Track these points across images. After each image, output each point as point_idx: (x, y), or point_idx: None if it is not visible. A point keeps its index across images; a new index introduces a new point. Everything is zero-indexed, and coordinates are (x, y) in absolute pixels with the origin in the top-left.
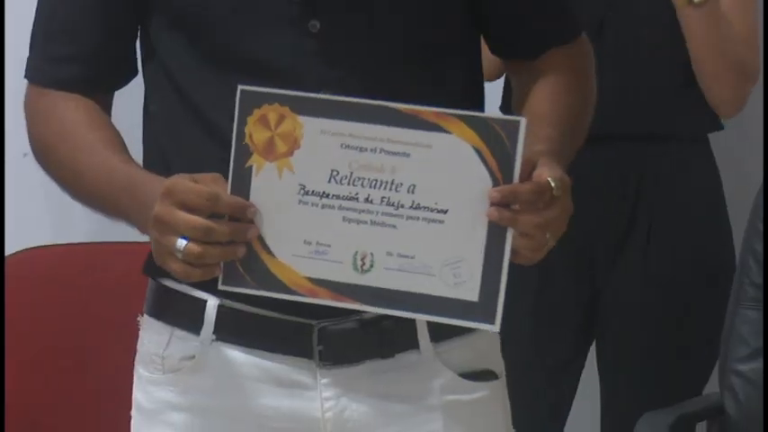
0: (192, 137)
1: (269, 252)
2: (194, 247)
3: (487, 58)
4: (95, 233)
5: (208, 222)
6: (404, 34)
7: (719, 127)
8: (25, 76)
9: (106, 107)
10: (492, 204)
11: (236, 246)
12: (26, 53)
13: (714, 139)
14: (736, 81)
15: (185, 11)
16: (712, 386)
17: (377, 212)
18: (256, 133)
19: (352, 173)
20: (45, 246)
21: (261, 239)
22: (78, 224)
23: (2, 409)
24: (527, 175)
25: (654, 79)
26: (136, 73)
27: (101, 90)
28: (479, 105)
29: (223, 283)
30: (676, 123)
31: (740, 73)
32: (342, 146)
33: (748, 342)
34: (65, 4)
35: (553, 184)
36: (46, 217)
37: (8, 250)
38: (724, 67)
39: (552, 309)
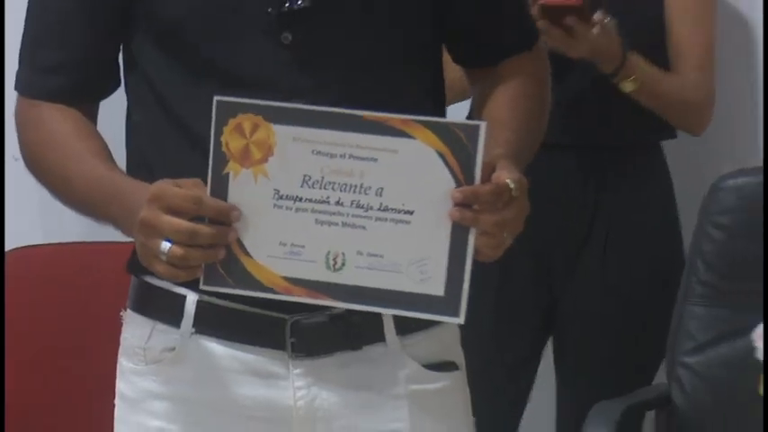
0: (174, 145)
1: (246, 253)
2: (178, 250)
3: (449, 78)
4: (84, 234)
5: (192, 225)
6: (373, 47)
7: (673, 135)
8: (15, 89)
9: (92, 116)
10: (455, 205)
11: (217, 248)
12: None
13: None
14: (692, 118)
15: (167, 25)
16: (660, 378)
17: (347, 214)
18: (232, 141)
19: (323, 177)
20: (37, 245)
21: (239, 242)
22: (68, 225)
23: (2, 409)
24: (487, 176)
25: (611, 91)
26: (119, 84)
27: (86, 100)
28: (442, 111)
29: (204, 284)
30: (632, 133)
31: (695, 112)
32: (313, 152)
33: (695, 337)
34: (51, 18)
35: (512, 186)
36: (37, 218)
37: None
38: (677, 115)
39: (512, 308)
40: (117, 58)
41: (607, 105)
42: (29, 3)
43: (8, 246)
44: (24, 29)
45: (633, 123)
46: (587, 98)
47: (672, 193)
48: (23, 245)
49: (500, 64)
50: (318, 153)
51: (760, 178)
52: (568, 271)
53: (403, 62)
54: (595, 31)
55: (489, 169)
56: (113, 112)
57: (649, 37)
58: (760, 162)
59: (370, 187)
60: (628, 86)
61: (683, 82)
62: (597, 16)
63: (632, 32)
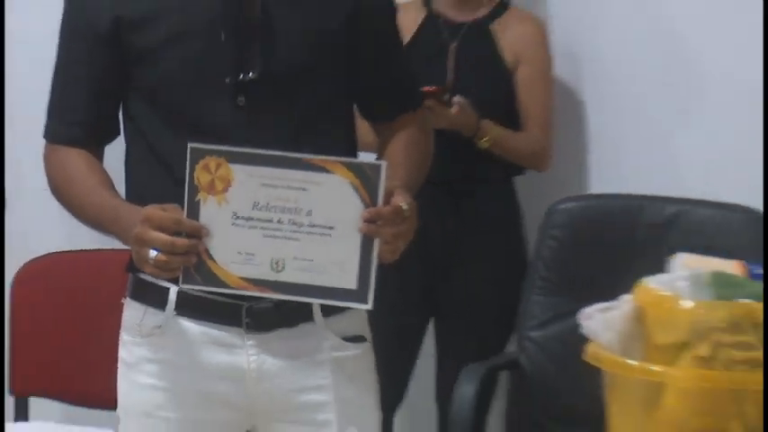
0: (159, 179)
1: (212, 259)
2: (162, 257)
3: (361, 134)
4: (96, 243)
5: (172, 239)
6: (305, 107)
7: (521, 172)
8: (44, 137)
9: (99, 156)
10: (364, 222)
11: (191, 255)
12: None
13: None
14: (538, 162)
15: (149, 91)
16: (511, 347)
17: (286, 230)
18: (202, 177)
19: (268, 203)
20: (63, 251)
21: (207, 251)
22: (85, 235)
23: (2, 410)
24: (387, 201)
25: (473, 146)
26: (119, 133)
27: (95, 145)
28: (354, 153)
29: (182, 282)
30: (489, 172)
31: (540, 158)
32: (261, 184)
33: (537, 317)
34: (70, 86)
35: (405, 207)
36: (60, 228)
37: (32, 255)
38: (526, 161)
39: (405, 297)
40: (117, 115)
41: (472, 154)
42: (54, 71)
43: (41, 251)
44: (50, 91)
45: (489, 165)
46: (459, 149)
47: (519, 214)
48: (54, 251)
49: (396, 120)
50: (264, 185)
51: (582, 203)
52: (444, 272)
53: (326, 118)
54: (453, 110)
55: (389, 195)
56: (116, 152)
57: (505, 107)
58: (584, 192)
59: (301, 210)
60: (483, 144)
61: (530, 138)
62: (456, 99)
63: (490, 105)
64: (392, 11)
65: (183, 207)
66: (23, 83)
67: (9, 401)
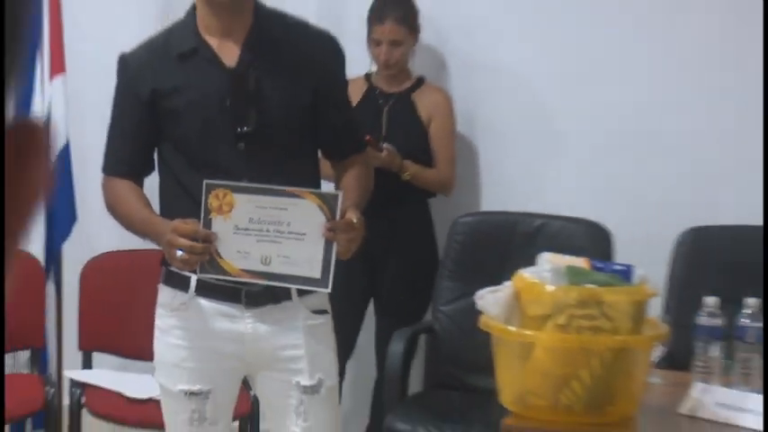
0: (183, 203)
1: (220, 257)
2: (185, 256)
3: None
4: (140, 244)
5: (192, 243)
6: (287, 152)
7: (434, 195)
8: (102, 171)
9: (141, 185)
10: (326, 230)
11: (205, 255)
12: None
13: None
14: (445, 190)
15: (179, 141)
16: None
17: (272, 236)
18: (213, 202)
19: (260, 218)
20: (116, 251)
21: (216, 251)
22: (132, 239)
23: (2, 412)
24: (342, 216)
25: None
26: (154, 169)
27: (137, 177)
28: (318, 181)
29: (199, 273)
30: (411, 195)
31: (446, 186)
32: (255, 206)
33: (446, 296)
34: (120, 137)
35: (355, 221)
36: (114, 235)
37: (94, 253)
38: (437, 188)
39: (351, 282)
40: (153, 156)
41: (399, 184)
42: (109, 125)
43: (101, 251)
44: (107, 138)
45: (410, 191)
46: (390, 181)
47: (431, 225)
48: (110, 250)
49: (347, 159)
50: (257, 207)
51: (477, 218)
52: (380, 266)
53: (299, 159)
54: (383, 154)
55: (344, 212)
56: (151, 181)
57: (421, 151)
58: (478, 209)
59: (282, 222)
60: (405, 177)
61: (439, 173)
62: (386, 146)
63: (410, 150)
64: (345, 85)
65: (199, 222)
66: (91, 139)
67: (78, 355)
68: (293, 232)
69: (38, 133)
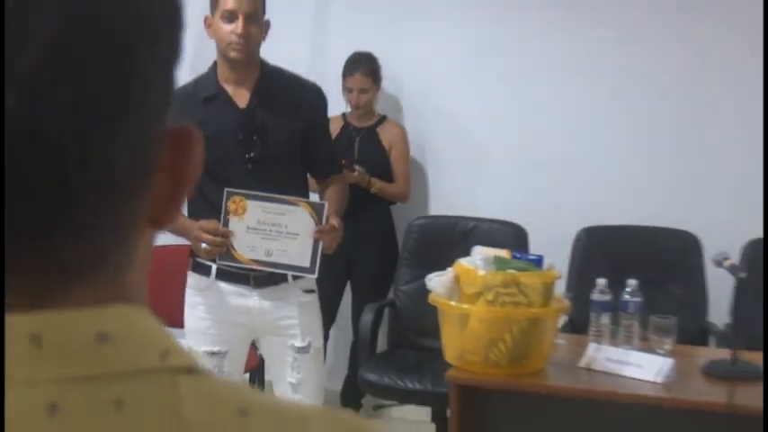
0: (205, 207)
1: (234, 249)
2: (208, 248)
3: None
4: (173, 240)
5: (214, 238)
6: (285, 171)
7: (394, 203)
8: None
9: None
10: (315, 232)
11: (223, 247)
12: None
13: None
14: (402, 199)
15: (203, 163)
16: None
17: (273, 235)
18: (230, 206)
19: (265, 220)
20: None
21: (232, 245)
22: (167, 236)
23: (2, 412)
24: (327, 221)
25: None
26: None
27: None
28: (307, 193)
29: (219, 261)
30: (377, 203)
31: (404, 197)
32: (262, 211)
33: (405, 278)
34: None
35: (336, 225)
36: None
37: None
38: (397, 198)
39: (332, 269)
40: None
41: (368, 195)
42: None
43: None
44: None
45: (376, 201)
46: (361, 194)
47: (393, 225)
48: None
49: (329, 178)
50: (264, 211)
51: (427, 220)
52: (354, 256)
53: (292, 177)
54: (356, 174)
55: (328, 218)
56: None
57: (385, 170)
58: (427, 213)
59: (282, 224)
60: (373, 191)
61: (398, 187)
62: (357, 167)
63: (376, 170)
64: (327, 122)
65: (219, 221)
66: None
67: None
68: (290, 232)
69: (194, 136)
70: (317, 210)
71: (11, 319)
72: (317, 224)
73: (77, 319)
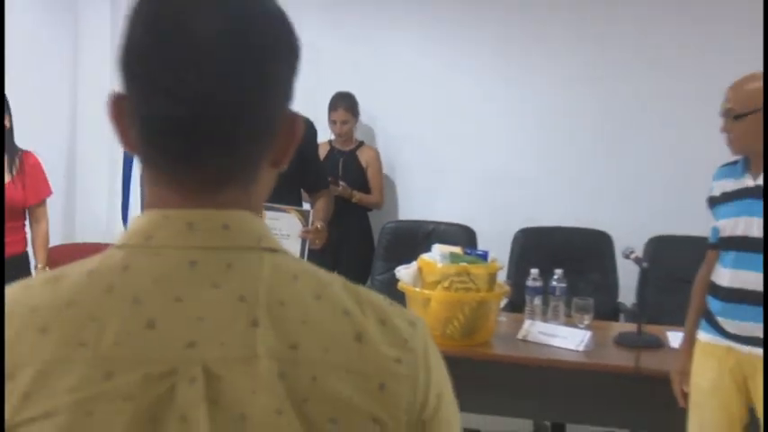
0: None
1: None
2: None
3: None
4: None
5: None
6: (285, 189)
7: (371, 210)
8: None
9: None
10: (302, 233)
11: None
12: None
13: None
14: (377, 206)
15: None
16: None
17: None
18: None
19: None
20: None
21: None
22: None
23: (2, 411)
24: (314, 224)
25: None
26: None
27: None
28: (300, 203)
29: None
30: (357, 210)
31: (378, 204)
32: (267, 218)
33: (380, 270)
34: None
35: (320, 226)
36: None
37: None
38: (373, 207)
39: (321, 265)
40: None
41: (349, 204)
42: None
43: None
44: None
45: (357, 208)
46: (344, 203)
47: (370, 227)
48: None
49: (318, 192)
50: (268, 219)
51: (397, 224)
52: (339, 253)
53: (290, 191)
54: (340, 188)
55: (314, 222)
56: None
57: (363, 185)
58: (397, 218)
59: (276, 228)
60: (354, 200)
61: (374, 197)
62: (341, 182)
63: (356, 184)
64: (317, 149)
65: None
66: None
67: None
68: (282, 234)
69: (299, 118)
70: (304, 216)
71: (179, 212)
72: (304, 227)
73: (214, 215)
